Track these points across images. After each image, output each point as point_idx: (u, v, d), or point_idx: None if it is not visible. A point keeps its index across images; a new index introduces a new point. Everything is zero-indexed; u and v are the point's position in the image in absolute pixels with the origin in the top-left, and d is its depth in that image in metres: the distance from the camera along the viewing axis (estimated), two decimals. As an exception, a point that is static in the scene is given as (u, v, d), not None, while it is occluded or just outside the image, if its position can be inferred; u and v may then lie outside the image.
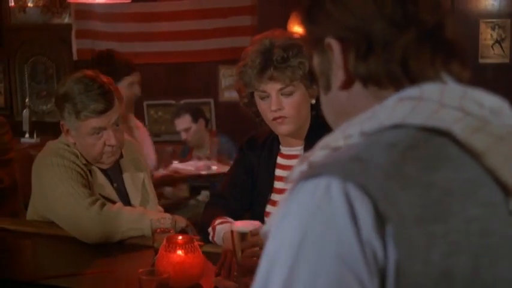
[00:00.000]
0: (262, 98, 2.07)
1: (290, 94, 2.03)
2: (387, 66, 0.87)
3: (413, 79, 0.87)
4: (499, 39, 4.79)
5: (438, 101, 0.84)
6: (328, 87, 0.95)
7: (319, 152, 0.87)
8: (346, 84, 0.91)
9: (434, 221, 0.76)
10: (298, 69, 2.01)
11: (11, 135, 3.26)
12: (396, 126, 0.83)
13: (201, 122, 4.87)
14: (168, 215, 2.20)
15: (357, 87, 0.90)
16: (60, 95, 2.32)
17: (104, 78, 2.33)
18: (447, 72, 0.89)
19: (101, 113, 2.27)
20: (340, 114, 0.94)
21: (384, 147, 0.80)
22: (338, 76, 0.91)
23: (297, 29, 5.27)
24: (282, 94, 2.03)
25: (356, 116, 0.88)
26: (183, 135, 4.89)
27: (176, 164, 4.59)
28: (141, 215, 2.24)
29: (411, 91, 0.86)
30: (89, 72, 2.33)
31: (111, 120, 2.31)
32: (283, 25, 5.07)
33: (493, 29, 4.79)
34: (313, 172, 0.80)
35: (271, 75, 2.01)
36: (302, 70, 2.01)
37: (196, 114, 4.86)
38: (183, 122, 4.82)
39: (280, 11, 5.34)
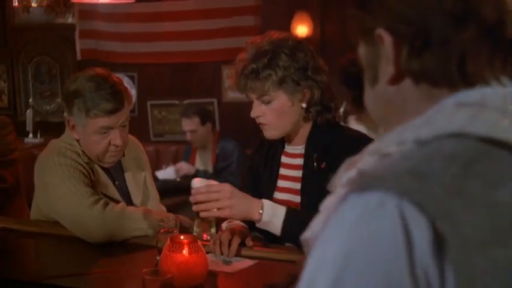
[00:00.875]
0: (251, 101, 2.10)
1: (268, 102, 2.05)
2: (443, 64, 0.80)
3: (469, 80, 0.81)
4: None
5: (500, 108, 0.77)
6: (375, 81, 0.87)
7: (369, 157, 0.80)
8: (396, 80, 0.83)
9: (497, 245, 0.69)
10: (267, 81, 2.01)
11: (15, 135, 3.26)
12: (455, 135, 0.76)
13: (208, 125, 4.87)
14: (171, 215, 2.20)
15: (407, 83, 0.83)
16: (70, 91, 2.31)
17: (115, 78, 2.33)
18: (505, 74, 0.82)
19: (111, 112, 2.27)
20: (387, 110, 0.88)
21: (444, 160, 0.73)
22: (387, 70, 0.84)
23: (300, 28, 5.27)
24: (261, 102, 2.05)
25: (404, 114, 0.83)
26: (188, 136, 4.89)
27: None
28: (145, 215, 2.25)
29: (471, 95, 0.79)
30: (101, 71, 2.33)
31: (120, 121, 2.31)
32: (287, 25, 5.06)
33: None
34: (366, 184, 0.73)
35: (244, 86, 2.05)
36: (271, 81, 2.01)
37: (205, 117, 4.86)
38: (191, 124, 4.83)
39: (284, 11, 5.33)
